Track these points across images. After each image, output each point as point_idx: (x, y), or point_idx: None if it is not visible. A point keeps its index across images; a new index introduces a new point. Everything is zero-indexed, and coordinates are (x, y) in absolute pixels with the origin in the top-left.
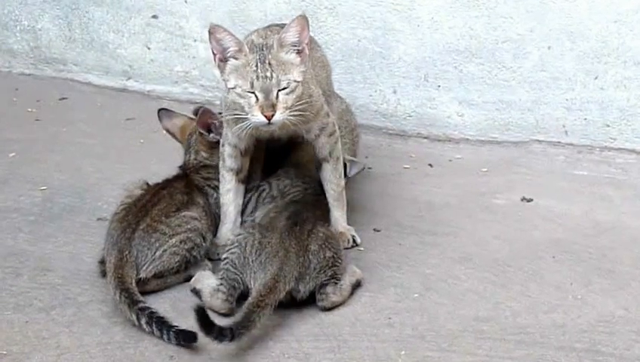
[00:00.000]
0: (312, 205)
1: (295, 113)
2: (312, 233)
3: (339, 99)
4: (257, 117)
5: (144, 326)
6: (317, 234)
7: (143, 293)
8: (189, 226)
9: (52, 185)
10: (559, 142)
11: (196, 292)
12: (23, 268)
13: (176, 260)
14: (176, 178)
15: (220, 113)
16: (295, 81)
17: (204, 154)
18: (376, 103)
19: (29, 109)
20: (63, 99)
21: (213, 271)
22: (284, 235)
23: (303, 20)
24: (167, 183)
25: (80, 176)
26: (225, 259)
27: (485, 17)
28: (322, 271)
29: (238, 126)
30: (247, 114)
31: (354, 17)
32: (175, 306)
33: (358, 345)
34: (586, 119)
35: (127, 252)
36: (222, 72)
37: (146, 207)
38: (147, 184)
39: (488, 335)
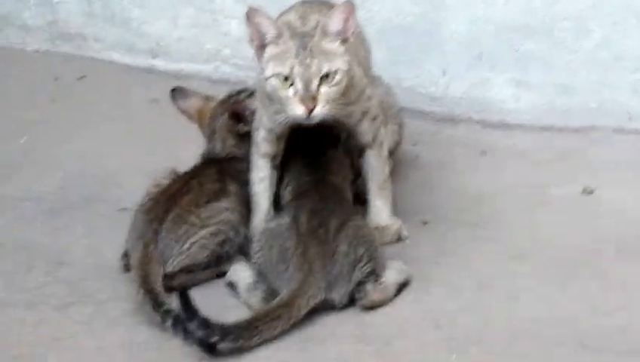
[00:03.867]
0: (333, 194)
1: (338, 107)
2: (340, 231)
3: (379, 80)
4: (296, 110)
5: (170, 329)
6: (346, 231)
7: (170, 289)
8: (220, 218)
9: (69, 171)
10: (623, 129)
11: (231, 286)
12: (36, 262)
13: (205, 254)
14: (206, 165)
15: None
16: (339, 70)
17: (231, 142)
18: (423, 86)
19: (45, 89)
20: (82, 78)
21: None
22: (307, 242)
23: (350, 7)
24: (197, 171)
25: (100, 163)
26: (256, 255)
27: None
28: (357, 270)
29: (274, 118)
30: (284, 106)
31: None
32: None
33: (404, 349)
34: None
35: (152, 246)
36: (259, 59)
37: (174, 197)
38: (176, 173)
39: (546, 338)
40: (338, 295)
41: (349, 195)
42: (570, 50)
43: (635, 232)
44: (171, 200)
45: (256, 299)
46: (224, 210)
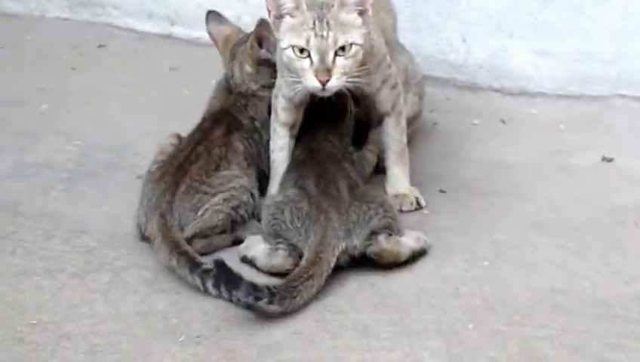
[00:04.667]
0: (330, 161)
1: (353, 80)
2: (351, 190)
3: (403, 47)
4: (311, 81)
5: (211, 289)
6: (355, 190)
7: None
8: (231, 185)
9: (88, 140)
10: None
11: (248, 261)
12: (55, 230)
13: (220, 218)
14: (212, 125)
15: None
16: (355, 43)
17: (249, 68)
18: (443, 53)
19: (64, 57)
20: (101, 46)
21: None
22: (320, 199)
23: None
24: (202, 135)
25: (118, 131)
26: (269, 223)
27: None
28: (376, 220)
29: (290, 88)
30: (300, 77)
31: None
32: None
33: (422, 317)
34: None
35: (169, 216)
36: (276, 30)
37: (183, 167)
38: (179, 137)
39: (564, 307)
40: (358, 240)
41: (349, 168)
42: (590, 17)
43: None
44: (181, 169)
45: (279, 259)
46: (234, 176)
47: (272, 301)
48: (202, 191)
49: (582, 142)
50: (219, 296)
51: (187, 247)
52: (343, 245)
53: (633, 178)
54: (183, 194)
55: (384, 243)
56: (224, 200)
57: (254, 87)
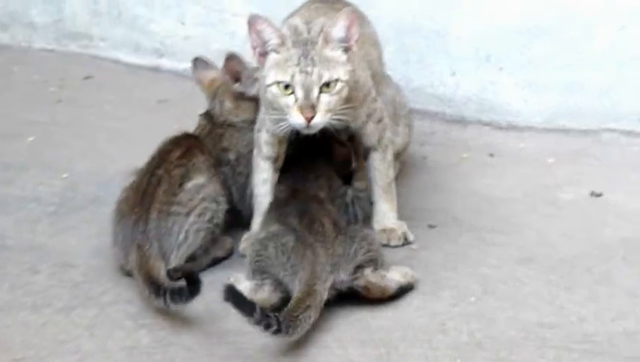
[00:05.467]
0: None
1: (338, 117)
2: (335, 226)
3: (389, 80)
4: (296, 118)
5: (170, 304)
6: (340, 226)
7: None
8: (200, 196)
9: (75, 172)
10: (633, 131)
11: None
12: (41, 264)
13: (202, 236)
14: (171, 148)
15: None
16: (339, 80)
17: (229, 105)
18: (432, 86)
19: (51, 89)
20: (89, 78)
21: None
22: (305, 234)
23: (352, 14)
24: (162, 158)
25: (106, 163)
26: (252, 260)
27: None
28: (361, 254)
29: (276, 125)
30: (284, 114)
31: None
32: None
33: (409, 352)
34: None
35: (147, 246)
36: (261, 66)
37: (148, 193)
38: (140, 169)
39: (552, 343)
40: (345, 274)
41: (332, 209)
42: (579, 51)
43: None
44: (146, 196)
45: (265, 294)
46: (200, 187)
47: (279, 329)
48: (174, 212)
49: (570, 176)
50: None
51: (158, 275)
52: (331, 279)
53: (622, 213)
54: (156, 220)
55: (371, 277)
56: (199, 216)
57: (235, 119)
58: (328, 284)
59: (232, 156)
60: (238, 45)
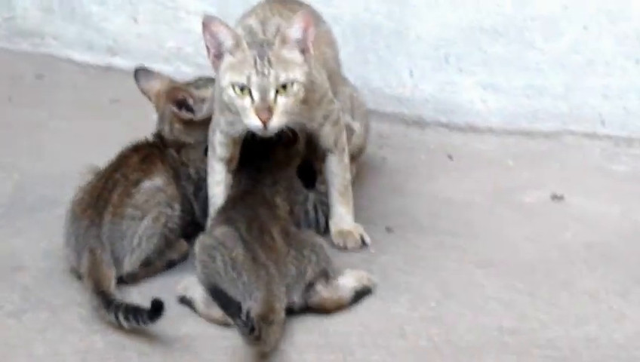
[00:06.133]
0: (261, 205)
1: (295, 119)
2: (285, 236)
3: (346, 81)
4: (252, 120)
5: (123, 322)
6: (289, 235)
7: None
8: (156, 200)
9: (25, 173)
10: (595, 134)
11: (186, 302)
12: None
13: (156, 241)
14: (130, 154)
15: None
16: (297, 81)
17: (178, 127)
18: (390, 87)
19: (1, 87)
20: (40, 77)
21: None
22: (255, 249)
23: (308, 15)
24: (120, 163)
25: (57, 164)
26: (200, 271)
27: None
28: (310, 270)
29: (232, 128)
30: (241, 116)
31: None
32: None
33: (367, 358)
34: (625, 108)
35: (99, 251)
36: (216, 68)
37: (103, 196)
38: (97, 170)
39: (513, 349)
40: (297, 296)
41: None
42: (540, 52)
43: (603, 240)
44: (101, 199)
45: (219, 313)
46: (156, 190)
47: (259, 337)
48: (128, 215)
49: (531, 179)
50: (132, 328)
51: (107, 287)
52: (286, 300)
53: (584, 217)
54: (110, 224)
55: (324, 293)
56: (154, 220)
57: (188, 139)
58: (284, 305)
59: (191, 171)
60: (193, 42)
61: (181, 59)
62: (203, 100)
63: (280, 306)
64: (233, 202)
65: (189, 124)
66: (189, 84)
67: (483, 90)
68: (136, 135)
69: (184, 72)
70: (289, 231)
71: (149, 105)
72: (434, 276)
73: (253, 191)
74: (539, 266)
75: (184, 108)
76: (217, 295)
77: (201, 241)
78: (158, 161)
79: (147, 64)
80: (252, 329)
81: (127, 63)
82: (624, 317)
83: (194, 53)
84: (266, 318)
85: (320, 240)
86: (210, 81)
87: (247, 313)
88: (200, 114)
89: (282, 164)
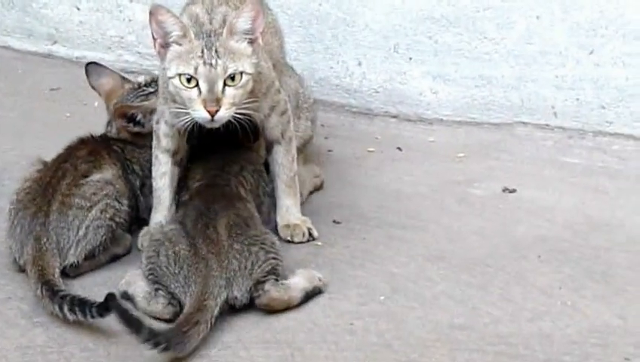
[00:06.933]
0: (223, 197)
1: (242, 110)
2: (231, 231)
3: (292, 70)
4: (199, 112)
5: (67, 314)
6: (236, 230)
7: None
8: (104, 192)
9: None
10: (547, 125)
11: (128, 297)
12: None
13: (102, 233)
14: (79, 146)
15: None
16: (245, 72)
17: (126, 135)
18: (338, 77)
19: None
20: None
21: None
22: (198, 243)
23: (257, 5)
24: (68, 154)
25: None
26: (145, 265)
27: None
28: (256, 267)
29: (177, 119)
30: (188, 107)
31: None
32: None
33: (315, 354)
34: (578, 99)
35: (45, 239)
36: (162, 58)
37: (51, 185)
38: (44, 163)
39: (464, 345)
40: (239, 292)
41: (247, 195)
42: (492, 42)
43: (556, 234)
44: (49, 188)
45: (158, 307)
46: (105, 183)
47: (168, 347)
48: (76, 205)
49: (482, 171)
50: (76, 320)
51: (53, 276)
52: (224, 295)
53: (536, 210)
54: (57, 212)
55: (273, 292)
56: (101, 211)
57: (135, 143)
58: (221, 300)
59: (136, 167)
60: (135, 31)
61: (123, 48)
62: (152, 112)
63: (212, 303)
64: (192, 196)
65: (137, 133)
66: (139, 87)
67: (433, 81)
68: (77, 124)
69: (126, 61)
70: (240, 225)
71: (90, 94)
72: (382, 270)
73: (217, 182)
74: (490, 261)
75: (133, 123)
76: (119, 308)
77: (150, 235)
78: (106, 155)
79: (88, 52)
80: (157, 344)
81: (69, 52)
82: (578, 312)
83: (136, 42)
84: (190, 320)
85: (273, 238)
86: (154, 87)
87: (150, 329)
88: (149, 125)
89: (251, 154)
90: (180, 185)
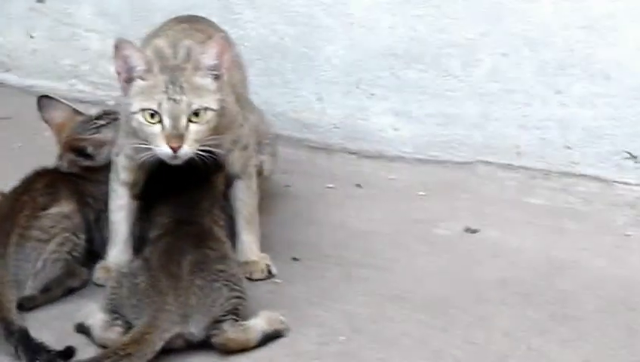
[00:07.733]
0: (194, 235)
1: (205, 147)
2: (195, 267)
3: (252, 105)
4: (162, 148)
5: (22, 357)
6: (201, 266)
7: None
8: (62, 226)
9: None
10: (511, 165)
11: (84, 330)
12: None
13: (60, 266)
14: (36, 178)
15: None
16: (209, 108)
17: (77, 169)
18: (297, 111)
19: None
20: None
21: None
22: (158, 276)
23: (224, 41)
24: (26, 187)
25: None
26: (111, 292)
27: (430, 17)
28: (216, 305)
29: (139, 154)
30: (150, 143)
31: (275, 10)
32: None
33: None
34: (543, 139)
35: (3, 271)
36: (125, 93)
37: (9, 218)
38: (2, 195)
39: None
40: (196, 328)
41: (220, 234)
42: (456, 79)
43: (519, 276)
44: (7, 221)
45: (114, 335)
46: (63, 216)
47: None
48: (35, 237)
49: (444, 211)
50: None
51: (9, 313)
52: (176, 330)
53: (499, 252)
54: (15, 245)
55: (230, 333)
56: (59, 245)
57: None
58: (169, 336)
59: (90, 200)
60: (89, 60)
61: (77, 77)
62: (103, 145)
63: (156, 337)
64: (162, 235)
65: (88, 167)
66: (91, 119)
67: (394, 117)
68: (29, 154)
69: (79, 90)
70: (207, 263)
71: (42, 125)
72: (342, 309)
73: (190, 219)
74: (452, 302)
75: (83, 156)
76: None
77: (119, 268)
78: (63, 188)
79: (41, 81)
80: None
81: (21, 80)
82: (543, 356)
83: (90, 72)
84: (124, 348)
85: (241, 276)
86: (114, 120)
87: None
88: (100, 158)
89: (215, 188)
90: (148, 221)
